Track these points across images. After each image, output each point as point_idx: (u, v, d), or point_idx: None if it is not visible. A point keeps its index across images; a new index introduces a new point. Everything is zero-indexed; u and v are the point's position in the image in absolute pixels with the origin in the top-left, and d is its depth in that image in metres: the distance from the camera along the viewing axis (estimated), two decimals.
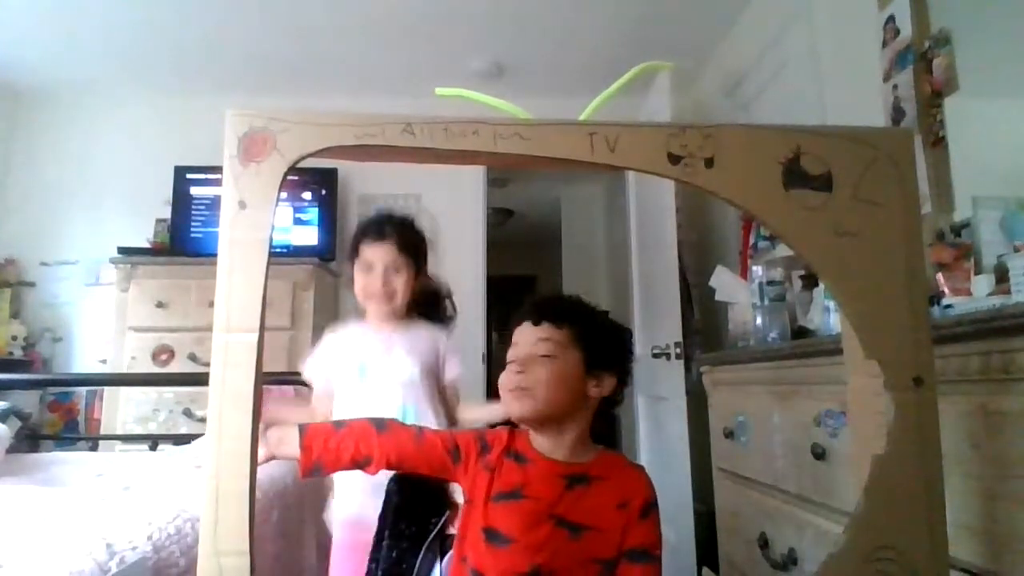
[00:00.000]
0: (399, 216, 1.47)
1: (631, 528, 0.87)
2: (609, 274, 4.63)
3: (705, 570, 1.97)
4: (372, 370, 1.36)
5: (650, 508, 0.90)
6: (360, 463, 0.89)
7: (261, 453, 0.83)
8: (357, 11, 2.70)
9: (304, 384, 1.46)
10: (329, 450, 0.88)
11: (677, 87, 2.86)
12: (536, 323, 0.90)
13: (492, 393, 1.11)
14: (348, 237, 1.53)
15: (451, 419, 1.41)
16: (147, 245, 3.10)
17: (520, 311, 0.94)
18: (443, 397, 1.42)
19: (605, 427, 0.96)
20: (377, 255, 1.39)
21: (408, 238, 1.43)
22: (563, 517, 0.86)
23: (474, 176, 3.41)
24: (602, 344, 0.93)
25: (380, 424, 0.92)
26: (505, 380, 0.90)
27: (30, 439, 2.47)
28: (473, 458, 0.92)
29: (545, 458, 0.91)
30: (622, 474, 0.92)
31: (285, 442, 0.89)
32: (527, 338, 0.90)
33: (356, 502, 1.29)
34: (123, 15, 2.70)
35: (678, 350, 2.40)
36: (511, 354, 0.92)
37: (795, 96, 2.28)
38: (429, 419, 1.33)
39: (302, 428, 0.89)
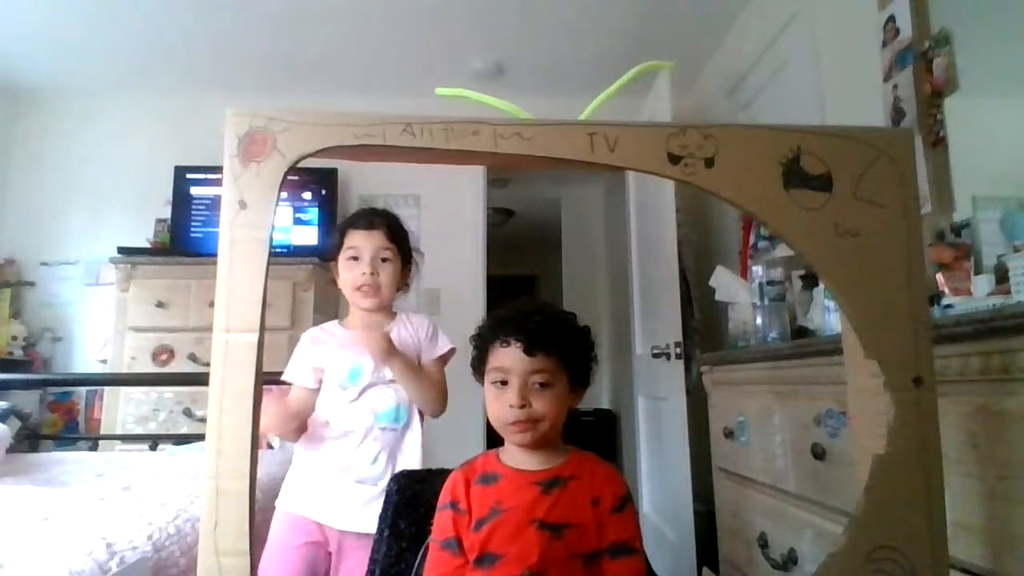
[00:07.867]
0: (386, 210, 1.44)
1: (606, 524, 0.89)
2: (609, 274, 4.63)
3: (705, 570, 1.98)
4: (364, 373, 1.34)
5: (623, 503, 0.91)
6: None
7: None
8: (357, 11, 2.70)
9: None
10: None
11: (677, 87, 2.86)
12: (529, 353, 0.89)
13: None
14: None
15: (440, 400, 1.37)
16: (147, 245, 3.10)
17: (501, 328, 0.92)
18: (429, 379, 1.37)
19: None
20: (365, 242, 1.36)
21: (396, 229, 1.40)
22: (544, 520, 0.87)
23: (474, 176, 3.41)
24: (583, 361, 0.95)
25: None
26: (505, 414, 0.89)
27: (30, 439, 2.47)
28: (463, 525, 0.92)
29: (516, 470, 0.92)
30: (593, 472, 0.93)
31: None
32: (520, 367, 0.89)
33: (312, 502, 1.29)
34: (123, 15, 2.71)
35: (678, 350, 2.40)
36: (498, 376, 0.90)
37: (795, 96, 2.28)
38: (416, 414, 1.36)
39: None
